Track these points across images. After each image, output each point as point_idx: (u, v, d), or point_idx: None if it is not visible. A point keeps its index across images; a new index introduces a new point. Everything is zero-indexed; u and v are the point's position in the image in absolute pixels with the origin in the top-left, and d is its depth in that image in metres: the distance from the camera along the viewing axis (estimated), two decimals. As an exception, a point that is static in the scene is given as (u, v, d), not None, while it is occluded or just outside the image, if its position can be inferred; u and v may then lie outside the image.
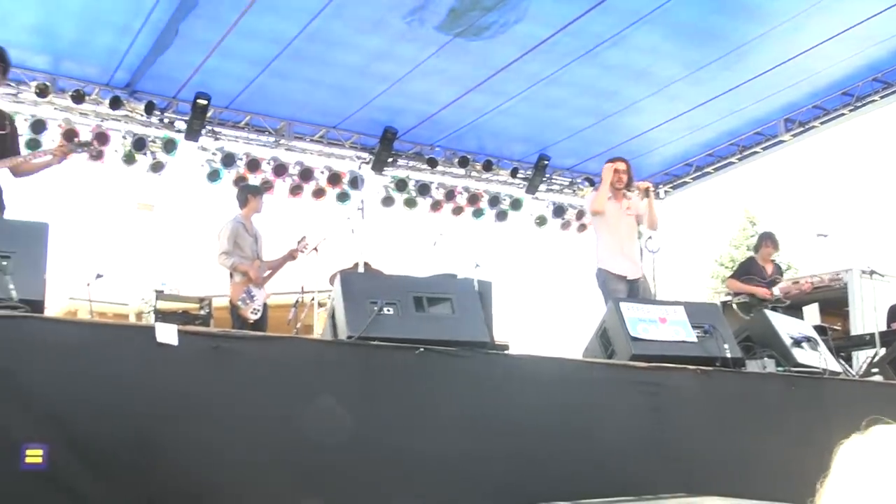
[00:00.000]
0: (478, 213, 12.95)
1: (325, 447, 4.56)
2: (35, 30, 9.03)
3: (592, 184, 12.82)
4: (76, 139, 6.58)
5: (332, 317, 5.49)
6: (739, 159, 12.55)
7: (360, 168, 11.99)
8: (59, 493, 3.88)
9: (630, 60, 9.59)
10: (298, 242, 9.18)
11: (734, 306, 9.76)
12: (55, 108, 10.03)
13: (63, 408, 3.98)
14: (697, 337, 6.38)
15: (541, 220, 13.46)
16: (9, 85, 9.00)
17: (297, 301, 9.71)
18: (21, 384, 3.94)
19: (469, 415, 5.07)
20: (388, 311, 5.26)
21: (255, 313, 8.65)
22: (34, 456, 3.80)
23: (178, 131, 10.87)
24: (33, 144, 9.45)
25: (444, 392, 5.12)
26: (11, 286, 4.29)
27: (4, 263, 4.36)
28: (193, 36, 8.98)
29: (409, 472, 4.76)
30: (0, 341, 4.00)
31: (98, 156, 6.72)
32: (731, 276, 10.59)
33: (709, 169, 13.03)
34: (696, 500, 5.19)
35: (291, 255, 9.18)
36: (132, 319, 10.79)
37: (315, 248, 9.28)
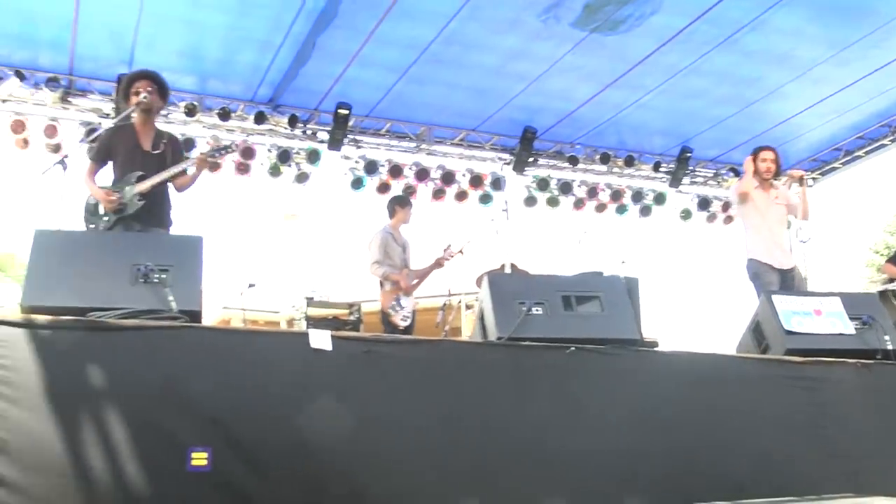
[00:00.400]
0: (621, 210, 12.76)
1: (479, 448, 4.55)
2: (182, 53, 9.39)
3: (737, 174, 12.47)
4: (212, 145, 6.73)
5: (481, 318, 5.48)
6: (892, 141, 11.95)
7: (501, 169, 11.98)
8: (223, 493, 3.99)
9: (771, 45, 9.26)
10: (444, 251, 9.25)
11: (893, 297, 9.29)
12: (203, 127, 10.37)
13: (224, 412, 4.10)
14: (856, 329, 6.09)
15: (686, 214, 13.16)
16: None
17: (444, 304, 9.76)
18: (185, 390, 4.09)
19: (622, 413, 4.98)
20: (537, 311, 5.23)
21: (405, 320, 8.78)
22: (199, 458, 3.95)
23: (321, 142, 11.09)
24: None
25: (596, 390, 5.04)
26: (171, 298, 4.45)
27: (164, 276, 4.53)
28: (332, 47, 9.14)
29: (563, 471, 4.70)
30: (164, 350, 4.17)
31: (229, 150, 6.84)
32: (889, 261, 10.12)
33: (859, 153, 12.46)
34: (864, 500, 4.96)
35: (438, 264, 9.27)
36: (283, 326, 11.06)
37: (460, 251, 9.31)
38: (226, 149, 6.85)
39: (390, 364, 4.59)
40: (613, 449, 4.83)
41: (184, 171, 6.43)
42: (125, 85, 6.59)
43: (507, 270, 8.72)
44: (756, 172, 7.83)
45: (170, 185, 6.48)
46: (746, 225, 7.97)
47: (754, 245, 7.77)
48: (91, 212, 6.41)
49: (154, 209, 6.36)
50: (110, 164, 6.51)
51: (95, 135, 6.34)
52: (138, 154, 6.41)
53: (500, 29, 8.87)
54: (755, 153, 7.95)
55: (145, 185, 6.24)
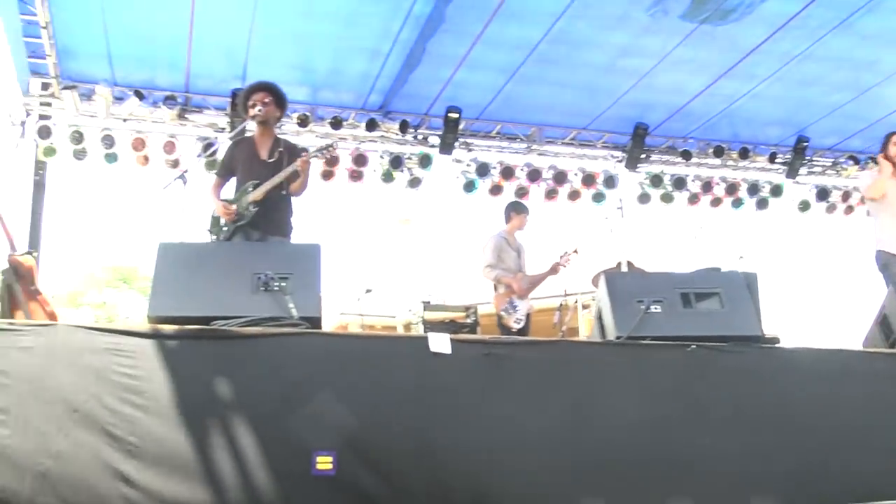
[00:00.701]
0: (737, 203, 12.44)
1: (602, 448, 4.51)
2: (293, 66, 9.59)
3: (857, 162, 12.07)
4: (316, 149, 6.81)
5: (599, 318, 5.44)
6: None
7: (614, 167, 11.85)
8: (347, 497, 4.06)
9: (890, 25, 8.89)
10: (561, 257, 9.17)
11: None
12: (316, 136, 10.52)
13: (347, 416, 4.16)
14: None
15: (804, 206, 12.74)
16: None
17: (560, 304, 9.70)
18: (309, 395, 4.16)
19: (745, 412, 4.87)
20: (656, 309, 5.16)
21: (518, 322, 8.76)
22: (324, 462, 4.02)
23: (432, 146, 11.17)
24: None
25: (718, 389, 4.94)
26: (291, 305, 4.53)
27: (284, 284, 4.62)
28: (440, 51, 9.20)
29: (687, 470, 4.62)
30: (287, 357, 4.26)
31: (330, 149, 6.91)
32: None
33: None
34: None
35: (553, 270, 9.19)
36: (399, 331, 11.14)
37: (575, 251, 9.23)
38: (326, 148, 6.90)
39: (510, 365, 4.59)
40: (738, 449, 4.73)
41: (294, 175, 6.54)
42: (243, 97, 6.77)
43: (624, 269, 8.63)
44: (888, 158, 7.52)
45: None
46: (876, 215, 7.67)
47: (884, 235, 7.47)
48: (213, 223, 6.64)
49: (273, 217, 6.51)
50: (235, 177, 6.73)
51: (213, 149, 6.50)
52: (256, 163, 6.58)
53: (608, 25, 8.78)
54: (887, 139, 7.63)
55: (258, 193, 6.39)
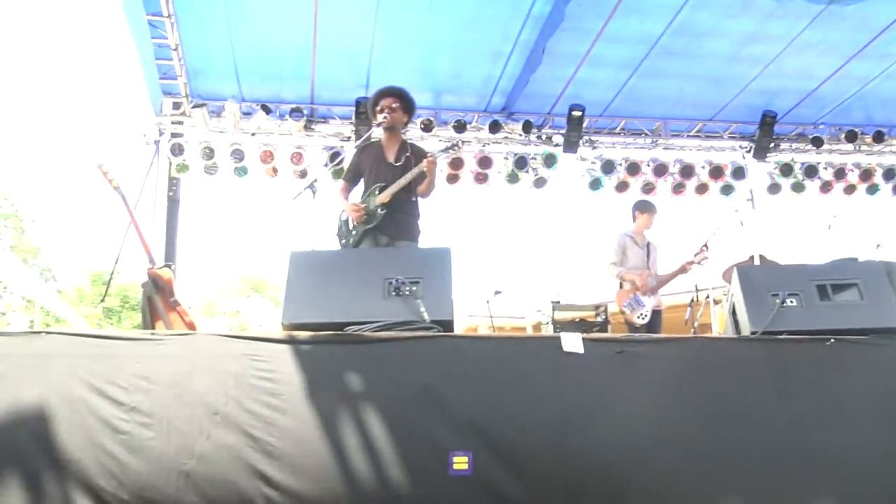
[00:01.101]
0: (872, 190, 12.00)
1: (739, 446, 4.41)
2: (416, 71, 9.70)
3: None
4: (441, 148, 6.84)
5: (733, 313, 5.32)
6: None
7: (743, 158, 11.58)
8: (484, 496, 4.07)
9: None
10: (696, 255, 8.98)
11: None
12: (440, 140, 10.60)
13: (482, 417, 4.17)
14: None
15: (945, 189, 12.22)
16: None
17: (692, 300, 9.54)
18: (443, 397, 4.19)
19: (889, 407, 4.68)
20: (791, 302, 5.02)
21: (642, 318, 8.63)
22: (461, 462, 4.04)
23: (556, 145, 11.15)
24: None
25: (860, 384, 4.75)
26: (423, 308, 4.57)
27: (415, 288, 4.66)
28: (561, 50, 9.17)
29: (828, 470, 4.47)
30: (420, 360, 4.30)
31: (455, 148, 6.92)
32: None
33: None
34: None
35: (683, 269, 8.99)
36: (529, 332, 11.14)
37: (705, 245, 9.05)
38: (451, 147, 6.92)
39: (643, 363, 4.53)
40: (882, 447, 4.55)
41: (421, 177, 6.60)
42: (372, 102, 6.84)
43: (756, 262, 8.43)
44: None
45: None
46: None
47: None
48: (341, 228, 6.76)
49: (401, 221, 6.59)
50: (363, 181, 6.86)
51: (339, 158, 6.62)
52: (383, 166, 6.67)
53: (732, 13, 8.61)
54: None
55: (386, 195, 6.49)
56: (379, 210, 6.47)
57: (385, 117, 6.58)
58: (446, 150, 6.88)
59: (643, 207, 9.39)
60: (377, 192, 6.53)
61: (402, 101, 6.78)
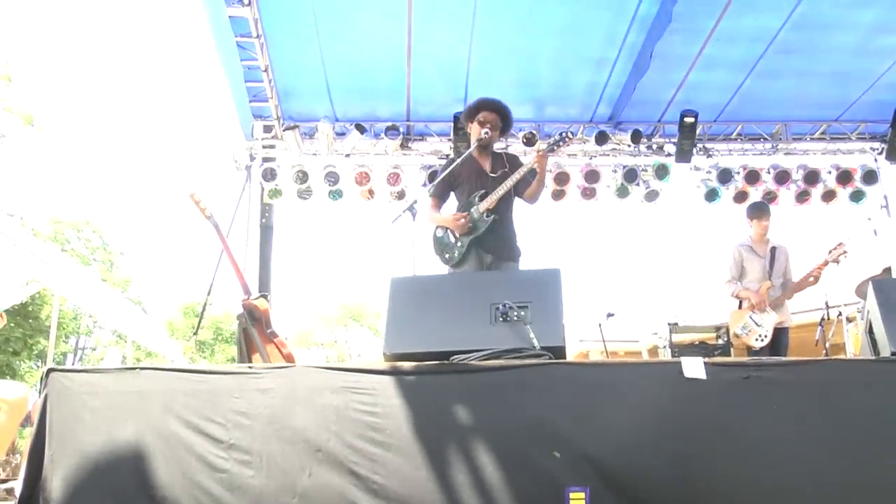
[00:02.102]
0: None
1: (881, 477, 4.24)
2: (516, 82, 9.72)
3: None
4: (548, 142, 6.77)
5: (870, 332, 5.14)
6: None
7: (875, 160, 11.24)
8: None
9: None
10: (830, 252, 8.63)
11: None
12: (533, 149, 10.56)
13: (598, 449, 4.10)
14: None
15: None
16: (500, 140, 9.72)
17: (822, 318, 9.26)
18: (557, 429, 4.13)
19: None
20: (938, 317, 4.82)
21: (761, 340, 8.39)
22: (577, 499, 3.98)
23: (668, 155, 11.00)
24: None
25: None
26: (532, 335, 4.52)
27: (523, 313, 4.62)
28: (670, 53, 9.04)
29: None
30: (530, 389, 4.25)
31: (566, 140, 6.83)
32: None
33: None
34: None
35: (815, 274, 8.63)
36: (645, 356, 10.99)
37: (843, 251, 8.69)
38: (562, 139, 6.85)
39: (773, 389, 4.40)
40: None
41: (524, 182, 6.57)
42: (472, 111, 6.79)
43: (894, 275, 8.16)
44: None
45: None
46: None
47: None
48: (441, 243, 6.69)
49: (505, 237, 6.59)
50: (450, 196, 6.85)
51: (439, 178, 6.60)
52: (482, 177, 6.66)
53: (857, 2, 8.41)
54: None
55: (491, 200, 6.47)
56: (485, 216, 6.46)
57: (486, 133, 6.56)
58: (556, 142, 6.82)
59: (754, 212, 9.09)
60: (478, 200, 6.52)
61: (503, 119, 6.77)
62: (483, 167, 6.71)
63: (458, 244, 6.55)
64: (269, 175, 10.50)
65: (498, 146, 9.76)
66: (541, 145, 6.65)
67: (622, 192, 11.03)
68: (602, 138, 10.57)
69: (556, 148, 6.81)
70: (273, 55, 9.11)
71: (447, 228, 6.63)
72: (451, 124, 10.20)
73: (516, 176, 6.47)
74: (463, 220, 6.48)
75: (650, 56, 8.97)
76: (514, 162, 6.75)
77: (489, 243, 6.50)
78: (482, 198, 6.50)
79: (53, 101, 74.64)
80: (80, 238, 45.79)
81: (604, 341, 10.33)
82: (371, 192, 10.76)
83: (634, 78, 9.54)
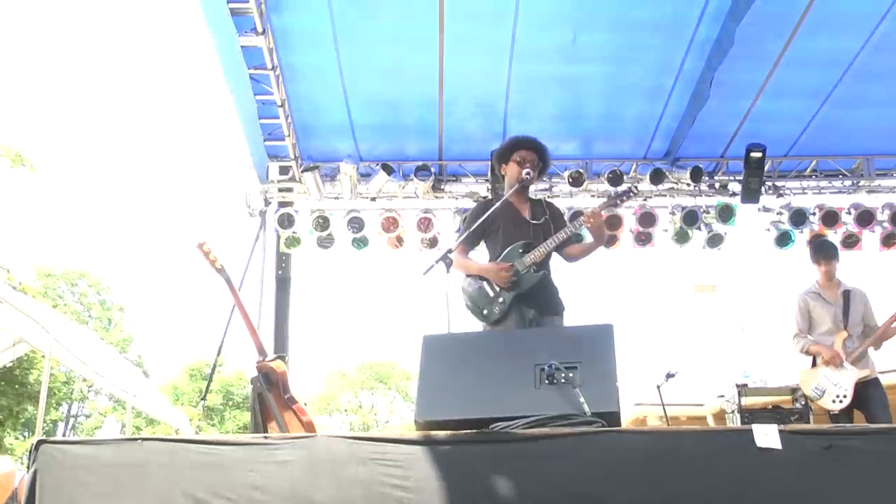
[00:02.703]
0: None
1: None
2: (559, 116, 9.77)
3: None
4: (609, 197, 6.75)
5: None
6: None
7: (975, 197, 11.17)
8: None
9: None
10: None
11: None
12: (591, 196, 10.59)
13: (658, 529, 4.09)
14: None
15: None
16: (542, 181, 9.72)
17: (916, 376, 9.19)
18: (609, 504, 4.11)
19: None
20: None
21: (839, 401, 8.15)
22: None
23: (733, 194, 10.96)
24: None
25: None
26: (582, 399, 4.51)
27: (572, 375, 4.61)
28: (733, 80, 9.07)
29: None
30: (580, 460, 4.24)
31: (629, 195, 6.81)
32: None
33: None
34: None
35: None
36: (710, 421, 10.92)
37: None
38: (624, 194, 6.83)
39: (859, 461, 4.36)
40: None
41: (577, 237, 6.57)
42: (508, 149, 6.80)
43: None
44: None
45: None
46: None
47: None
48: (476, 297, 6.58)
49: (549, 291, 6.56)
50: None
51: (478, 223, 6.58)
52: (523, 225, 6.66)
53: (947, 21, 8.38)
54: None
55: (538, 253, 6.43)
56: (532, 269, 6.43)
57: (528, 173, 6.58)
58: (619, 196, 6.83)
59: (817, 255, 8.82)
60: (520, 251, 6.49)
61: (543, 159, 6.80)
62: (521, 213, 6.72)
63: (500, 300, 6.46)
64: (286, 221, 10.56)
65: (541, 186, 9.83)
66: (599, 207, 6.59)
67: (681, 237, 11.00)
68: (658, 177, 10.54)
69: (617, 205, 6.79)
70: (290, 89, 9.18)
71: (482, 279, 6.55)
72: (488, 163, 10.10)
73: (567, 232, 6.46)
74: (507, 273, 6.40)
75: (710, 84, 8.98)
76: (554, 210, 6.79)
77: (532, 300, 6.44)
78: (526, 248, 6.47)
79: (47, 139, 75.73)
80: (75, 293, 46.30)
81: (663, 405, 10.28)
82: (399, 240, 10.77)
83: (693, 109, 9.55)
